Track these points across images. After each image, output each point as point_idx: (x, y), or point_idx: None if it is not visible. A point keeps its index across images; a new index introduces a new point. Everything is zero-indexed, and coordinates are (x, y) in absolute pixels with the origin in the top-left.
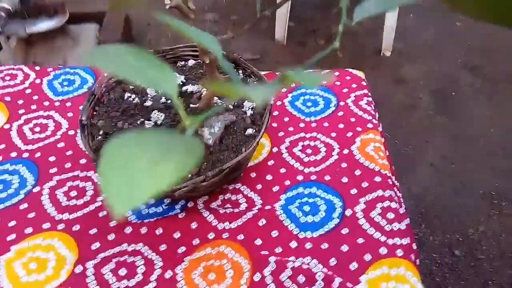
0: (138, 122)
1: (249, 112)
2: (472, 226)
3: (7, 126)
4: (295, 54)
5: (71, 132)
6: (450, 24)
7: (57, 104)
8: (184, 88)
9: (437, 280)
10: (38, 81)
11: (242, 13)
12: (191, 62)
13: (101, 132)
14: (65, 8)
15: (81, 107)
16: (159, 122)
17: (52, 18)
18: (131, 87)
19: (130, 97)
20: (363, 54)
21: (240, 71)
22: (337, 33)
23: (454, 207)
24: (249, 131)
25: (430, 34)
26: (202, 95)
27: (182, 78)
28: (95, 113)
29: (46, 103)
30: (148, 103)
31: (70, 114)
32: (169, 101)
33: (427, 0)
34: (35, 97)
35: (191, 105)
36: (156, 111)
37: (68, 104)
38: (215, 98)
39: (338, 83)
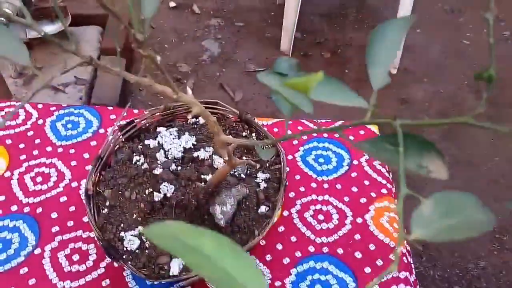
0: (147, 192)
1: (262, 185)
2: (473, 261)
3: (7, 174)
4: (300, 66)
5: (74, 184)
6: (457, 41)
7: (60, 150)
8: (195, 154)
9: None
10: (40, 121)
11: (247, 19)
12: (202, 120)
13: (107, 203)
14: (68, 11)
15: (87, 168)
16: (168, 195)
17: (54, 22)
18: (139, 147)
19: (139, 160)
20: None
21: (254, 134)
22: (342, 45)
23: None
24: (262, 208)
25: (437, 52)
26: (213, 163)
27: (193, 140)
28: (101, 177)
29: (49, 149)
30: (158, 171)
31: (73, 163)
32: (178, 168)
33: (438, 14)
34: (37, 141)
35: (202, 177)
36: (166, 183)
37: (72, 151)
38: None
39: (351, 137)
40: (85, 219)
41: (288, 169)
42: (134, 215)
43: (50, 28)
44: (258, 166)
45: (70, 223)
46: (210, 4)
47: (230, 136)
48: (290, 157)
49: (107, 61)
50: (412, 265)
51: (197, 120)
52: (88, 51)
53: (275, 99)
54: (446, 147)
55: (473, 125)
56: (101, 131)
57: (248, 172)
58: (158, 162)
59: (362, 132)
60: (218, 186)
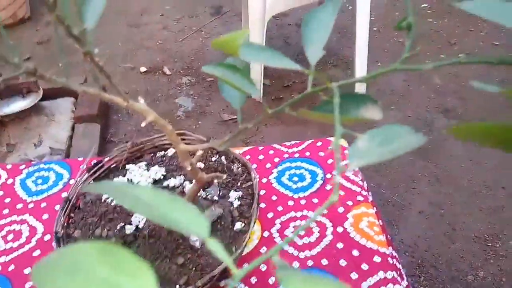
0: (118, 227)
1: (235, 203)
2: (471, 272)
3: None
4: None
5: (47, 237)
6: None
7: (31, 206)
8: (165, 183)
9: None
10: (10, 181)
11: None
12: (171, 152)
13: None
14: (38, 86)
15: (57, 212)
16: (140, 226)
17: (25, 97)
18: None
19: (108, 198)
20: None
21: (223, 157)
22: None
23: (449, 254)
24: (238, 225)
25: (399, 81)
26: (184, 189)
27: (163, 171)
28: (71, 220)
29: (20, 206)
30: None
31: (45, 216)
32: None
33: (394, 46)
34: (7, 200)
35: None
36: (136, 214)
37: (43, 205)
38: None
39: (321, 153)
40: None
41: (262, 186)
42: None
43: (22, 104)
44: (224, 176)
45: None
46: (179, 64)
47: (201, 162)
48: (264, 180)
49: (82, 127)
50: (402, 271)
51: (166, 153)
52: (62, 120)
53: (224, 94)
54: (424, 166)
55: (402, 70)
56: (72, 181)
57: (221, 194)
58: None
59: (331, 147)
60: None
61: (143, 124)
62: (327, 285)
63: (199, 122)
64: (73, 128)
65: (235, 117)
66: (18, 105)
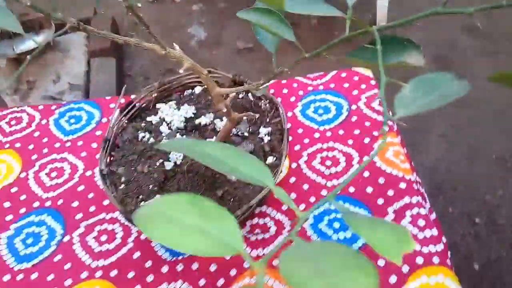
0: (158, 164)
1: (266, 139)
2: (489, 192)
3: (23, 175)
4: None
5: (89, 173)
6: None
7: (68, 144)
8: (197, 122)
9: (462, 251)
10: (44, 121)
11: (230, 0)
12: (198, 89)
13: (122, 179)
14: (51, 21)
15: (97, 156)
16: (178, 162)
17: (39, 33)
18: (142, 125)
19: (144, 136)
20: (357, 27)
21: (249, 94)
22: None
23: (469, 175)
24: (270, 159)
25: (423, 1)
26: (215, 127)
27: (193, 109)
28: (112, 158)
29: (57, 145)
30: (164, 142)
31: (83, 154)
32: (184, 137)
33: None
34: (45, 140)
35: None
36: (174, 151)
37: (80, 143)
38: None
39: (346, 85)
40: (106, 202)
41: (287, 119)
42: (150, 186)
43: (37, 40)
44: (257, 116)
45: (92, 209)
46: None
47: (236, 113)
48: (289, 113)
49: (97, 62)
50: (425, 194)
51: (193, 91)
52: (77, 55)
53: (259, 37)
54: None
55: (443, 13)
56: (104, 120)
57: (251, 130)
58: (163, 134)
59: (356, 78)
60: None
61: (181, 71)
62: (388, 226)
63: (213, 52)
64: (88, 63)
65: (250, 45)
66: (33, 41)
